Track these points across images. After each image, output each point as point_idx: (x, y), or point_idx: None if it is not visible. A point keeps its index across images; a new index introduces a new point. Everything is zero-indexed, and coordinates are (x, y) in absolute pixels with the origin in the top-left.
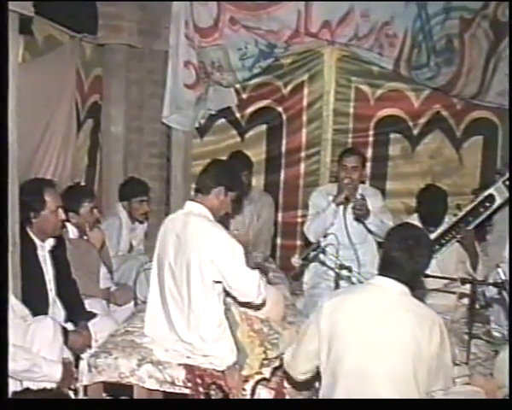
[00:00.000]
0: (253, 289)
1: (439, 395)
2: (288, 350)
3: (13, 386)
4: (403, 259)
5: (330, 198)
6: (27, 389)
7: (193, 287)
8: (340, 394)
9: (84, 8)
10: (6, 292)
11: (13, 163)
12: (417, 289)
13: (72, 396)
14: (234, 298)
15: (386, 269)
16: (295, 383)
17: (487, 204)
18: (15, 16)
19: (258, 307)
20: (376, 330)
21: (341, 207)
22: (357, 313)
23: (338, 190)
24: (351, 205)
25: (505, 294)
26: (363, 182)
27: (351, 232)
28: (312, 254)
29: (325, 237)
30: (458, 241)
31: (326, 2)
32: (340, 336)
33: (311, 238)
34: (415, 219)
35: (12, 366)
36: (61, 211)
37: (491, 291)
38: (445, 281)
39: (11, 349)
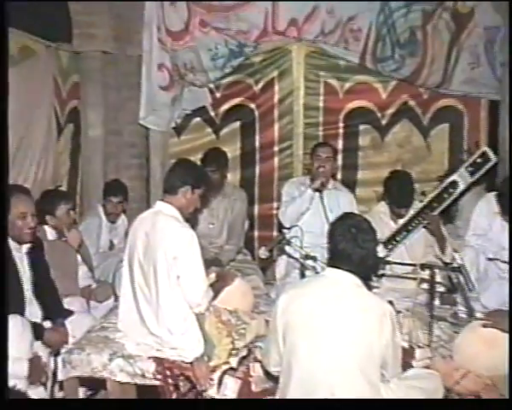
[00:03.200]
0: (195, 299)
1: (393, 382)
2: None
3: None
4: (349, 248)
5: (302, 188)
6: None
7: (160, 283)
8: (295, 384)
9: (58, 19)
10: (5, 293)
11: None
12: (371, 277)
13: (44, 391)
14: None
15: (335, 261)
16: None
17: (451, 190)
18: None
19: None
20: (327, 322)
21: (317, 194)
22: (308, 305)
23: (311, 179)
24: (326, 192)
25: (461, 278)
26: (334, 176)
27: (331, 219)
28: (278, 246)
29: (289, 229)
30: (425, 226)
31: (292, 1)
32: (293, 329)
33: (286, 223)
34: (382, 207)
35: None
36: (30, 218)
37: (452, 276)
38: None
39: None
